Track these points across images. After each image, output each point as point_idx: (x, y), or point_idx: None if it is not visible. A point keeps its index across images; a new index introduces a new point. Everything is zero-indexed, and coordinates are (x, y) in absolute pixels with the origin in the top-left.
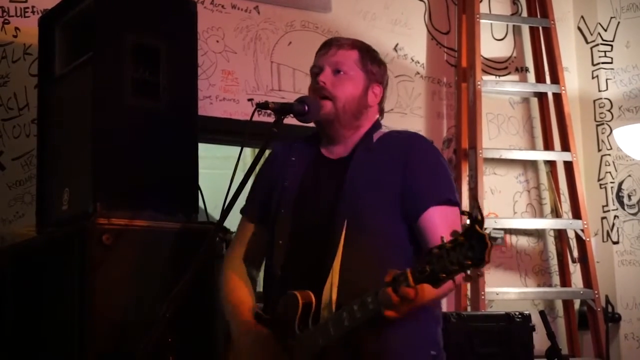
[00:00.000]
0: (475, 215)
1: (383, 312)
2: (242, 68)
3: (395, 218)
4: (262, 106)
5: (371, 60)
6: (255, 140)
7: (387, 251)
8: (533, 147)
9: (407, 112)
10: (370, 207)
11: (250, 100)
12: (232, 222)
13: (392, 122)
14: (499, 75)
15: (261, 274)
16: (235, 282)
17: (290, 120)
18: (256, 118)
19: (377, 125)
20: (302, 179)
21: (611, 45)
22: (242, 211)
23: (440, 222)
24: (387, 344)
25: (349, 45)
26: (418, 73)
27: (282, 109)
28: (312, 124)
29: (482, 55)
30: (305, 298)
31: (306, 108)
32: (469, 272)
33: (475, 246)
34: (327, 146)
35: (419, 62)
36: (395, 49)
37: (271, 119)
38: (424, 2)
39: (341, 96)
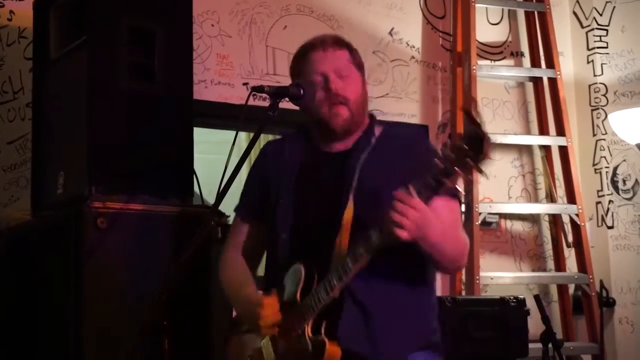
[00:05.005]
0: (471, 117)
1: (396, 233)
2: (237, 52)
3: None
4: (257, 90)
5: (356, 54)
6: (251, 124)
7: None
8: (528, 132)
9: (402, 96)
10: (375, 199)
11: (245, 84)
12: (227, 206)
13: (387, 107)
14: (494, 60)
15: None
16: (238, 274)
17: (285, 104)
18: (251, 102)
19: (374, 118)
20: (300, 171)
21: (606, 30)
22: (237, 211)
23: (449, 213)
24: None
25: (337, 45)
26: (413, 57)
27: (277, 93)
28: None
29: (477, 40)
30: (308, 270)
31: (302, 91)
32: (464, 173)
33: (471, 142)
34: (327, 142)
35: (414, 47)
36: (390, 33)
37: (266, 103)
38: None
39: (352, 98)
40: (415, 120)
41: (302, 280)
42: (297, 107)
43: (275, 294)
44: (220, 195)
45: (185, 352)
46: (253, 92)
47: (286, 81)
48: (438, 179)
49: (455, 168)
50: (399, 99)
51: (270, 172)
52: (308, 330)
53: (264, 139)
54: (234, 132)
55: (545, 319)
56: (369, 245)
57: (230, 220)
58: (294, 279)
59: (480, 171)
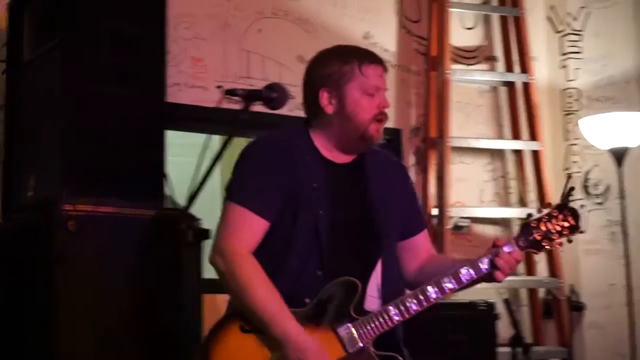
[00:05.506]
0: (567, 193)
1: (495, 275)
2: (211, 55)
3: (397, 231)
4: (230, 93)
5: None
6: (223, 127)
7: (397, 259)
8: (501, 136)
9: None
10: (389, 218)
11: (219, 87)
12: (198, 210)
13: None
14: (468, 64)
15: None
16: (262, 280)
17: (258, 107)
18: (225, 105)
19: None
20: (327, 182)
21: (581, 35)
22: (247, 203)
23: (429, 242)
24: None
25: (382, 61)
26: (388, 61)
27: (250, 96)
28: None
29: (451, 44)
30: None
31: (275, 95)
32: (557, 240)
33: (570, 217)
34: (335, 150)
35: (388, 50)
36: (365, 36)
37: (240, 107)
38: None
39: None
40: (389, 124)
41: (358, 295)
42: (272, 111)
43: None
44: (192, 198)
45: (155, 355)
46: (226, 95)
47: (260, 85)
48: (541, 242)
49: (555, 237)
50: None
51: (294, 178)
52: (371, 346)
53: (237, 142)
54: (207, 135)
55: (515, 323)
56: (460, 283)
57: (202, 223)
58: (344, 291)
59: (570, 242)
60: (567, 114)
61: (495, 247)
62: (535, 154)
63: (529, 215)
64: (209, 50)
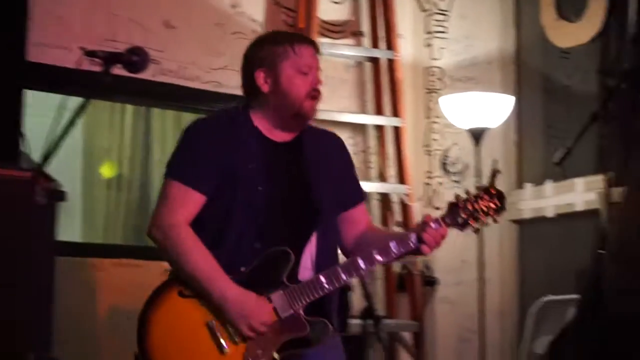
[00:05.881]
0: (492, 175)
1: (422, 248)
2: (76, 16)
3: (335, 205)
4: (90, 54)
5: None
6: (82, 89)
7: (335, 231)
8: (364, 111)
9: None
10: (327, 193)
11: (82, 49)
12: (54, 169)
13: (226, 79)
14: (335, 38)
15: None
16: (200, 249)
17: (120, 70)
18: (88, 67)
19: None
20: (264, 158)
21: (446, 15)
22: (185, 179)
23: (366, 215)
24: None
25: (318, 49)
26: (255, 31)
27: (110, 58)
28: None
29: (319, 17)
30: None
31: (135, 58)
32: (484, 219)
33: (496, 199)
34: (274, 128)
35: (256, 21)
36: (233, 5)
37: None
38: None
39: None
40: None
41: (290, 264)
42: (133, 74)
43: (264, 298)
44: (45, 158)
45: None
46: (86, 57)
47: (125, 48)
48: (467, 221)
49: (481, 217)
50: (238, 72)
51: (231, 155)
52: (301, 311)
53: (95, 104)
54: (69, 96)
55: (368, 296)
56: (389, 257)
57: (59, 185)
58: (278, 261)
59: (496, 222)
60: (430, 92)
61: (423, 223)
62: (397, 130)
63: (457, 196)
64: (74, 11)
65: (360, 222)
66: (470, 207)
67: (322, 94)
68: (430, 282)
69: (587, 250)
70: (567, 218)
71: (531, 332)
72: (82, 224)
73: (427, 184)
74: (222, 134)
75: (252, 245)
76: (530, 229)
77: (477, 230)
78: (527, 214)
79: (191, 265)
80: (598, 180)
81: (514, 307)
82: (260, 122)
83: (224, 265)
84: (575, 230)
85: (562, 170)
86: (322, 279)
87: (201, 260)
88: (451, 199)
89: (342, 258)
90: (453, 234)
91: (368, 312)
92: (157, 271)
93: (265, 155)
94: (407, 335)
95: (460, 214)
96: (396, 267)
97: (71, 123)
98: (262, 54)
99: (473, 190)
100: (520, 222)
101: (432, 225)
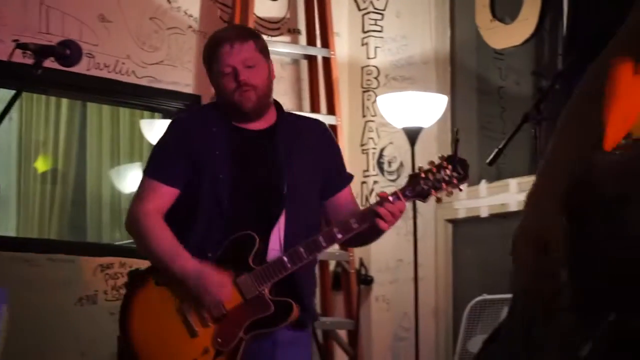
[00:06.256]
0: (455, 144)
1: (378, 223)
2: (10, 9)
3: (316, 190)
4: (22, 47)
5: (261, 42)
6: (15, 81)
7: (313, 217)
8: (300, 109)
9: (177, 64)
10: (301, 178)
11: (15, 41)
12: None
13: (161, 74)
14: (271, 35)
15: None
16: (164, 231)
17: (53, 64)
18: (20, 60)
19: (279, 104)
20: (232, 147)
21: (382, 14)
22: (156, 175)
23: (353, 198)
24: (305, 281)
25: (243, 37)
26: (190, 27)
27: (42, 51)
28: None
29: (255, 14)
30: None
31: (68, 52)
32: (446, 189)
33: (458, 167)
34: (242, 121)
35: (192, 16)
36: (168, 0)
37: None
38: None
39: (259, 84)
40: (189, 89)
41: (256, 247)
42: (65, 68)
43: (223, 268)
44: None
45: None
46: (18, 49)
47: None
48: (429, 191)
49: (443, 186)
50: (174, 67)
51: (199, 147)
52: (267, 292)
53: (31, 97)
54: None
55: None
56: (349, 232)
57: None
58: (243, 245)
59: (460, 190)
60: (366, 91)
61: (381, 198)
62: (333, 129)
63: (419, 167)
64: (8, 3)
65: (346, 205)
66: (431, 177)
67: (254, 84)
68: (365, 280)
69: None
70: (501, 218)
71: (465, 331)
72: (16, 218)
73: (363, 182)
74: (191, 128)
75: (218, 231)
76: (465, 229)
77: (439, 200)
78: (461, 214)
79: (156, 248)
80: (531, 181)
81: (448, 306)
82: (230, 114)
83: (193, 252)
84: (509, 230)
85: (496, 171)
86: (285, 258)
87: (165, 242)
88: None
89: None
90: (387, 233)
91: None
92: (90, 267)
93: (233, 143)
94: (342, 333)
95: (421, 184)
96: (332, 265)
97: (3, 116)
98: (204, 56)
99: (436, 160)
100: (454, 222)
101: (390, 199)
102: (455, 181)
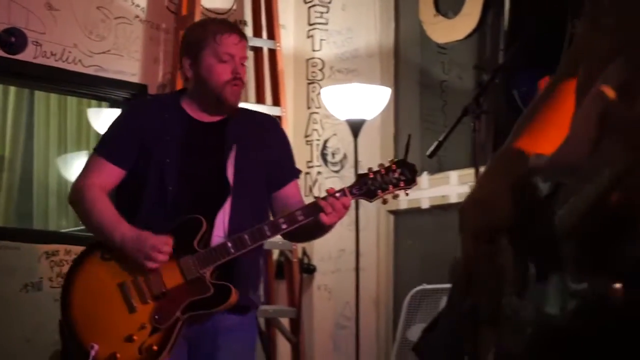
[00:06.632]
0: (406, 148)
1: (321, 217)
2: None
3: (262, 183)
4: None
5: (247, 44)
6: None
7: (259, 208)
8: (246, 100)
9: (123, 54)
10: (248, 169)
11: None
12: None
13: (107, 63)
14: None
15: None
16: (106, 203)
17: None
18: None
19: None
20: (183, 136)
21: (328, 7)
22: (104, 153)
23: (299, 192)
24: (249, 269)
25: (244, 37)
26: (137, 17)
27: None
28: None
29: (202, 5)
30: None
31: (13, 39)
32: (393, 192)
33: (406, 172)
34: (202, 111)
35: (139, 6)
36: None
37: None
38: None
39: (244, 84)
40: (136, 79)
41: (202, 231)
42: (10, 55)
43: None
44: None
45: None
46: None
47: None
48: (376, 191)
49: (390, 189)
50: (120, 56)
51: (149, 131)
52: (208, 275)
53: None
54: None
55: None
56: (293, 223)
57: None
58: (189, 228)
59: (407, 194)
60: (311, 83)
61: (327, 193)
62: (278, 120)
63: (369, 168)
64: None
65: (292, 198)
66: (379, 179)
67: (244, 81)
68: (308, 269)
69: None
70: (442, 209)
71: (405, 320)
72: None
73: (307, 173)
74: (147, 113)
75: (163, 214)
76: (406, 220)
77: (384, 201)
78: (403, 205)
79: (97, 219)
80: (471, 174)
81: (389, 295)
82: (188, 103)
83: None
84: (449, 221)
85: (437, 163)
86: (229, 244)
87: (106, 213)
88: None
89: None
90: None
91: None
92: (35, 254)
93: (185, 132)
94: (285, 321)
95: (368, 184)
96: (275, 254)
97: None
98: (188, 41)
99: (386, 163)
100: (396, 213)
101: (337, 194)
102: (402, 184)
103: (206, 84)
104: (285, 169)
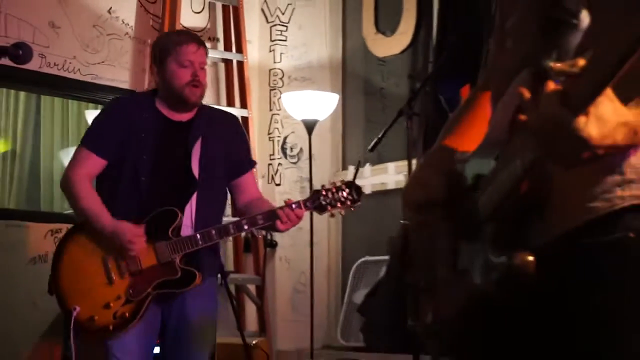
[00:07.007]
0: (355, 171)
1: (277, 223)
2: None
3: (223, 174)
4: None
5: (207, 52)
6: None
7: (221, 196)
8: (218, 103)
9: (115, 65)
10: (212, 165)
11: None
12: None
13: (102, 72)
14: None
15: None
16: (89, 192)
17: (8, 62)
18: None
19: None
20: (156, 133)
21: (286, 26)
22: (90, 145)
23: (254, 182)
24: (209, 257)
25: (203, 46)
26: (127, 33)
27: None
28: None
29: (181, 24)
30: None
31: (20, 52)
32: (341, 208)
33: (354, 192)
34: (171, 110)
35: (128, 24)
36: (109, 11)
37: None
38: None
39: (204, 85)
40: (126, 85)
41: (177, 221)
42: (19, 65)
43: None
44: None
45: None
46: None
47: (2, 41)
48: (326, 207)
49: (338, 205)
50: (112, 66)
51: (130, 127)
52: (178, 260)
53: None
54: None
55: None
56: (254, 226)
57: None
58: (166, 218)
59: (352, 210)
60: (272, 89)
61: (285, 204)
62: (245, 120)
63: (323, 185)
64: None
65: (248, 188)
66: (330, 196)
67: (203, 83)
68: (271, 244)
69: (396, 221)
70: (381, 194)
71: (351, 286)
72: None
73: (270, 164)
74: (124, 110)
75: (136, 204)
76: None
77: (332, 215)
78: None
79: (83, 206)
80: (405, 165)
81: (338, 265)
82: (161, 104)
83: (117, 217)
84: (388, 204)
85: (378, 156)
86: (198, 236)
87: (90, 202)
88: (289, 178)
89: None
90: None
91: (219, 268)
92: (42, 232)
93: (158, 130)
94: (251, 288)
95: (320, 199)
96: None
97: None
98: (156, 50)
99: (337, 183)
100: None
101: (293, 206)
102: (349, 203)
103: (170, 85)
104: (243, 160)
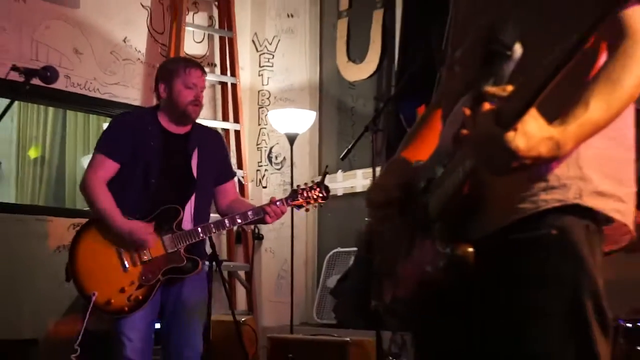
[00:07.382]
0: (324, 175)
1: (265, 218)
2: (11, 42)
3: (212, 179)
4: (15, 69)
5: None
6: (10, 93)
7: (210, 197)
8: (215, 118)
9: (129, 85)
10: (205, 170)
11: (14, 65)
12: None
13: (118, 92)
14: None
15: None
16: (105, 194)
17: (37, 82)
18: (14, 78)
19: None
20: (162, 143)
21: (273, 55)
22: (105, 151)
23: (234, 188)
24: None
25: (204, 73)
26: (139, 59)
27: (29, 73)
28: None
29: (185, 52)
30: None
31: (48, 74)
32: (313, 204)
33: (323, 191)
34: (172, 124)
35: (140, 51)
36: (124, 40)
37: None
38: (147, 9)
39: (202, 105)
40: (137, 102)
41: (179, 217)
42: (47, 85)
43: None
44: None
45: None
46: (12, 71)
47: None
48: (301, 202)
49: (311, 201)
50: (126, 87)
51: (139, 136)
52: (182, 250)
53: (24, 105)
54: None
55: (212, 245)
56: (246, 220)
57: None
58: (171, 214)
59: (320, 206)
60: (261, 107)
61: (271, 201)
62: (237, 133)
63: (299, 185)
64: (10, 37)
65: (230, 193)
66: (305, 194)
67: (202, 103)
68: (258, 237)
69: (363, 218)
70: (351, 196)
71: (325, 273)
72: (15, 190)
73: (258, 170)
74: (135, 124)
75: (145, 203)
76: (327, 203)
77: (307, 210)
78: None
79: (100, 207)
80: (370, 172)
81: (314, 255)
82: (162, 118)
83: (126, 212)
84: (356, 204)
85: (348, 164)
86: (199, 229)
87: (106, 204)
88: (274, 182)
89: (213, 215)
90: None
91: (212, 256)
92: (66, 225)
93: (162, 141)
94: (242, 274)
95: (298, 197)
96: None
97: (1, 116)
98: (164, 72)
99: (310, 183)
100: None
101: (277, 203)
102: (320, 200)
103: (176, 102)
104: (227, 170)
